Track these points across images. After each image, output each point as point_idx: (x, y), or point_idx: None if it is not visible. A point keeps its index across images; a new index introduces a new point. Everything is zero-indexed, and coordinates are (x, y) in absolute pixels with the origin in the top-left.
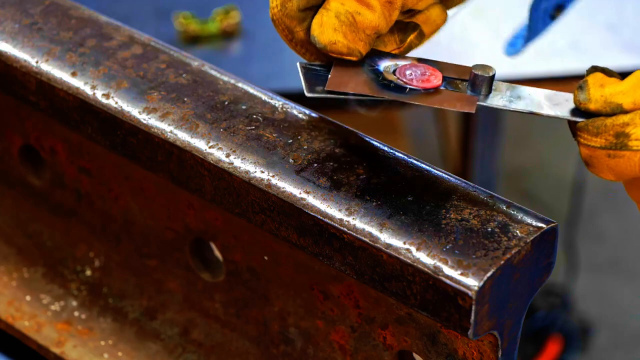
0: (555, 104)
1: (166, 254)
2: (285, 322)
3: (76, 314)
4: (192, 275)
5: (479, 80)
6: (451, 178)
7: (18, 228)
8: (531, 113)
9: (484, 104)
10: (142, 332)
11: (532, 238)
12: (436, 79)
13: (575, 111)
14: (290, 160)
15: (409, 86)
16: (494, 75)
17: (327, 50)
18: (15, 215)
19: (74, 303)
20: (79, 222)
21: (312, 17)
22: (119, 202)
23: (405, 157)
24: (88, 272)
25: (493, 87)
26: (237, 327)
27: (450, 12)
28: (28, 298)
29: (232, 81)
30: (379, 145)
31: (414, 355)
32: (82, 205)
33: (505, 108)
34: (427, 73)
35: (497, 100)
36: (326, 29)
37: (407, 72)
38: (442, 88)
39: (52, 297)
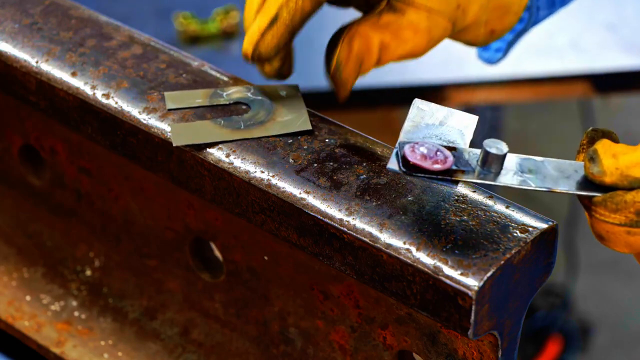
0: (566, 177)
1: (166, 254)
2: (285, 322)
3: (76, 314)
4: (192, 275)
5: (490, 158)
6: None
7: (18, 228)
8: (547, 191)
9: (498, 183)
10: (142, 332)
11: (532, 238)
12: (448, 160)
13: (586, 182)
14: (290, 160)
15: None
16: (506, 154)
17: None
18: (15, 215)
19: (74, 303)
20: (79, 222)
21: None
22: (119, 202)
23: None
24: (88, 272)
25: (505, 162)
26: (237, 327)
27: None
28: (28, 298)
29: (232, 81)
30: (379, 145)
31: (414, 355)
32: (82, 205)
33: (521, 187)
34: (439, 153)
35: (510, 178)
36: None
37: (410, 150)
38: (453, 168)
39: (52, 297)
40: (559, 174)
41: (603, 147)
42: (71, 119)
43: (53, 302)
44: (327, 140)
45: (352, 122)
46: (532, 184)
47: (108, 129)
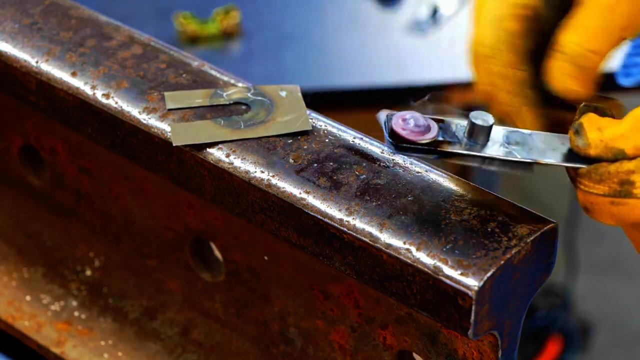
0: (553, 149)
1: (166, 254)
2: (285, 322)
3: (76, 314)
4: (192, 275)
5: (476, 129)
6: (451, 178)
7: (18, 228)
8: (533, 163)
9: (484, 154)
10: (142, 332)
11: (532, 238)
12: (432, 131)
13: (572, 155)
14: (290, 160)
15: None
16: (492, 125)
17: (560, 95)
18: (15, 215)
19: (74, 303)
20: (79, 222)
21: (536, 62)
22: (119, 202)
23: (406, 157)
24: (88, 272)
25: (492, 133)
26: (237, 327)
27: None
28: (28, 298)
29: (232, 81)
30: (379, 145)
31: (414, 355)
32: (82, 205)
33: (506, 158)
34: (422, 123)
35: (496, 149)
36: (562, 76)
37: (400, 121)
38: (439, 139)
39: (52, 297)
40: (545, 146)
41: (588, 120)
42: (71, 119)
43: (53, 302)
44: (327, 140)
45: (352, 122)
46: (518, 155)
47: (108, 129)
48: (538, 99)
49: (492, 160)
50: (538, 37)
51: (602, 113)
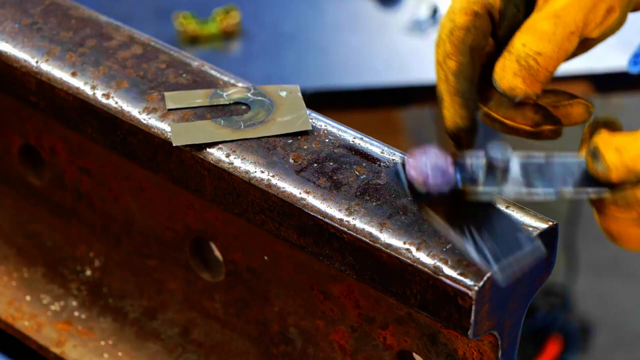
0: (571, 174)
1: (166, 254)
2: (285, 322)
3: (76, 314)
4: (192, 275)
5: (495, 168)
6: None
7: (18, 228)
8: (555, 196)
9: (501, 192)
10: (142, 332)
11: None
12: (450, 175)
13: (591, 178)
14: (290, 160)
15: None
16: (509, 162)
17: (506, 94)
18: (15, 215)
19: (74, 303)
20: (79, 222)
21: (473, 56)
22: (119, 202)
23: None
24: (88, 272)
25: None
26: (237, 327)
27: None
28: (28, 298)
29: (232, 81)
30: (379, 145)
31: (414, 355)
32: (82, 205)
33: (527, 199)
34: (440, 167)
35: (517, 187)
36: (507, 74)
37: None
38: (460, 187)
39: (52, 297)
40: (564, 174)
41: (603, 141)
42: (71, 119)
43: (53, 302)
44: (327, 140)
45: (352, 122)
46: (540, 191)
47: (108, 129)
48: (466, 91)
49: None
50: (498, 35)
51: (612, 127)
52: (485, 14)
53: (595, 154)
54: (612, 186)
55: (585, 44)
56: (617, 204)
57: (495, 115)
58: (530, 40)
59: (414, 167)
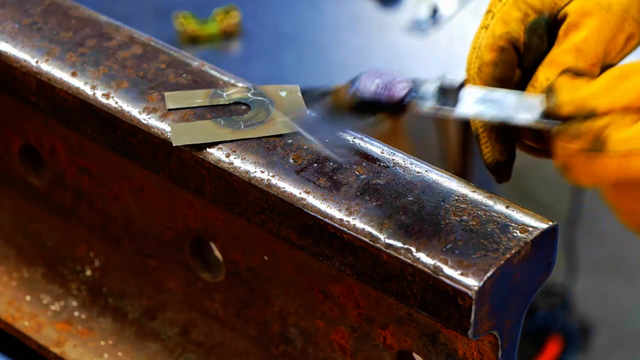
0: (527, 109)
1: (166, 254)
2: (285, 322)
3: (76, 314)
4: (192, 275)
5: (446, 89)
6: (451, 178)
7: (18, 228)
8: (505, 120)
9: (455, 114)
10: (142, 332)
11: (532, 238)
12: (403, 89)
13: (547, 115)
14: (290, 160)
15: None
16: (462, 84)
17: (531, 127)
18: (15, 215)
19: (74, 303)
20: (79, 222)
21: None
22: (119, 202)
23: (405, 157)
24: (88, 272)
25: (463, 93)
26: (237, 327)
27: (449, 12)
28: (28, 298)
29: (232, 81)
30: (379, 145)
31: (414, 355)
32: (82, 205)
33: (477, 116)
34: (394, 81)
35: (469, 107)
36: None
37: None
38: (408, 99)
39: (52, 297)
40: (519, 106)
41: (561, 80)
42: (71, 119)
43: (53, 302)
44: (327, 140)
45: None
46: (490, 114)
47: (108, 129)
48: (500, 125)
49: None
50: (525, 66)
51: (578, 73)
52: (510, 47)
53: (550, 90)
54: (562, 121)
55: (606, 68)
56: (565, 135)
57: (530, 143)
58: (553, 75)
59: (366, 78)
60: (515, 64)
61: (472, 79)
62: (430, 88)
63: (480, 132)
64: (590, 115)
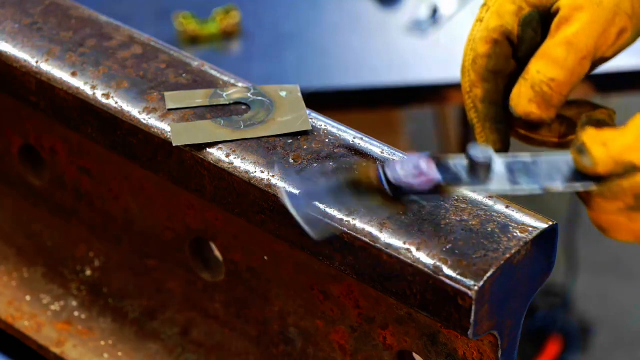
0: (558, 172)
1: (166, 254)
2: (285, 322)
3: (76, 314)
4: (192, 275)
5: (477, 167)
6: None
7: (18, 228)
8: (542, 192)
9: (489, 191)
10: (142, 332)
11: (532, 238)
12: (434, 174)
13: (579, 175)
14: (290, 160)
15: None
16: (491, 160)
17: (522, 119)
18: (15, 215)
19: (74, 303)
20: (79, 222)
21: (497, 81)
22: (119, 202)
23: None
24: (88, 272)
25: (493, 165)
26: (237, 327)
27: (449, 12)
28: (28, 298)
29: (232, 81)
30: (379, 145)
31: (414, 355)
32: (82, 205)
33: (514, 193)
34: (420, 167)
35: (502, 183)
36: (522, 101)
37: (398, 168)
38: (442, 183)
39: (52, 297)
40: (551, 171)
41: (589, 136)
42: (71, 119)
43: (53, 302)
44: (326, 140)
45: (352, 122)
46: (525, 187)
47: (108, 129)
48: (495, 115)
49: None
50: (519, 57)
51: (602, 124)
52: (504, 40)
53: (581, 150)
54: (599, 180)
55: (599, 61)
56: (604, 196)
57: (523, 132)
58: (544, 67)
59: (395, 167)
60: (509, 56)
61: (466, 71)
62: (458, 167)
63: (475, 123)
64: (629, 170)
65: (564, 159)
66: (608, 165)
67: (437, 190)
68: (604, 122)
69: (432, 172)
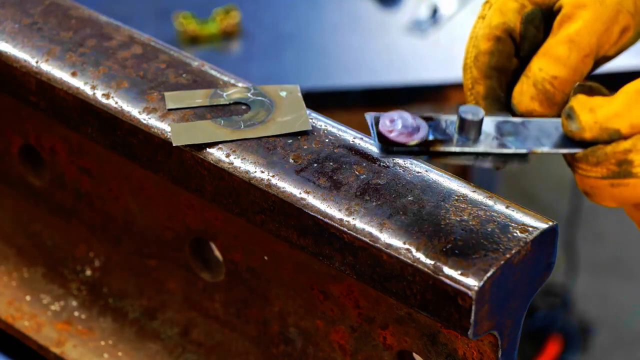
0: (547, 136)
1: (166, 254)
2: (285, 322)
3: (76, 314)
4: (192, 275)
5: (467, 124)
6: (451, 178)
7: (18, 228)
8: (528, 153)
9: (477, 150)
10: (142, 332)
11: (532, 238)
12: (421, 131)
13: (567, 140)
14: (290, 160)
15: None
16: (482, 119)
17: (524, 116)
18: (15, 215)
19: (74, 303)
20: (79, 222)
21: (499, 78)
22: (119, 202)
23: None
24: (88, 272)
25: (482, 125)
26: (237, 327)
27: (449, 12)
28: (28, 298)
29: (232, 81)
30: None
31: (414, 355)
32: (82, 205)
33: (500, 152)
34: (411, 123)
35: (489, 143)
36: (524, 98)
37: (388, 123)
38: (430, 138)
39: (52, 297)
40: (539, 134)
41: (578, 102)
42: (71, 119)
43: (53, 302)
44: (327, 140)
45: (352, 122)
46: (512, 147)
47: (108, 129)
48: (498, 112)
49: (486, 155)
50: (521, 55)
51: (595, 92)
52: (507, 37)
53: (570, 114)
54: (585, 145)
55: (601, 60)
56: (587, 161)
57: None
58: (546, 65)
59: (385, 120)
60: (511, 53)
61: (468, 68)
62: (449, 125)
63: None
64: (614, 137)
65: (553, 123)
66: (594, 131)
67: (426, 148)
68: (597, 91)
69: (423, 129)
